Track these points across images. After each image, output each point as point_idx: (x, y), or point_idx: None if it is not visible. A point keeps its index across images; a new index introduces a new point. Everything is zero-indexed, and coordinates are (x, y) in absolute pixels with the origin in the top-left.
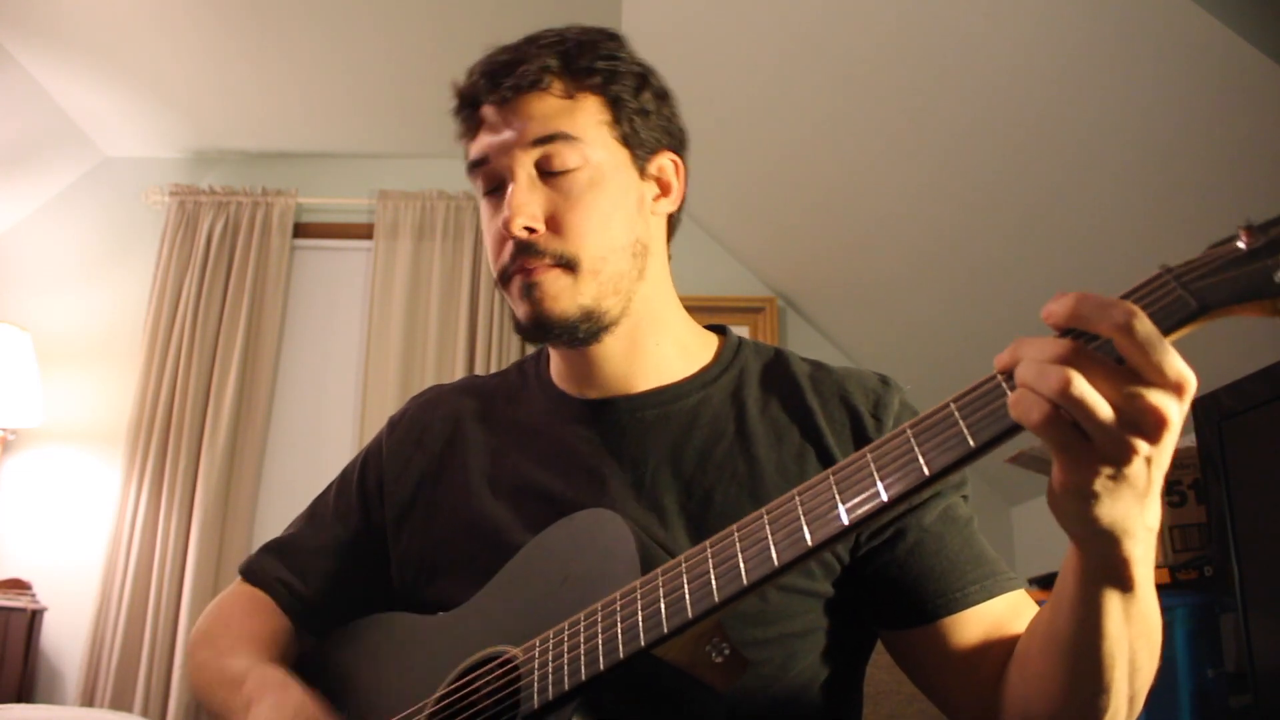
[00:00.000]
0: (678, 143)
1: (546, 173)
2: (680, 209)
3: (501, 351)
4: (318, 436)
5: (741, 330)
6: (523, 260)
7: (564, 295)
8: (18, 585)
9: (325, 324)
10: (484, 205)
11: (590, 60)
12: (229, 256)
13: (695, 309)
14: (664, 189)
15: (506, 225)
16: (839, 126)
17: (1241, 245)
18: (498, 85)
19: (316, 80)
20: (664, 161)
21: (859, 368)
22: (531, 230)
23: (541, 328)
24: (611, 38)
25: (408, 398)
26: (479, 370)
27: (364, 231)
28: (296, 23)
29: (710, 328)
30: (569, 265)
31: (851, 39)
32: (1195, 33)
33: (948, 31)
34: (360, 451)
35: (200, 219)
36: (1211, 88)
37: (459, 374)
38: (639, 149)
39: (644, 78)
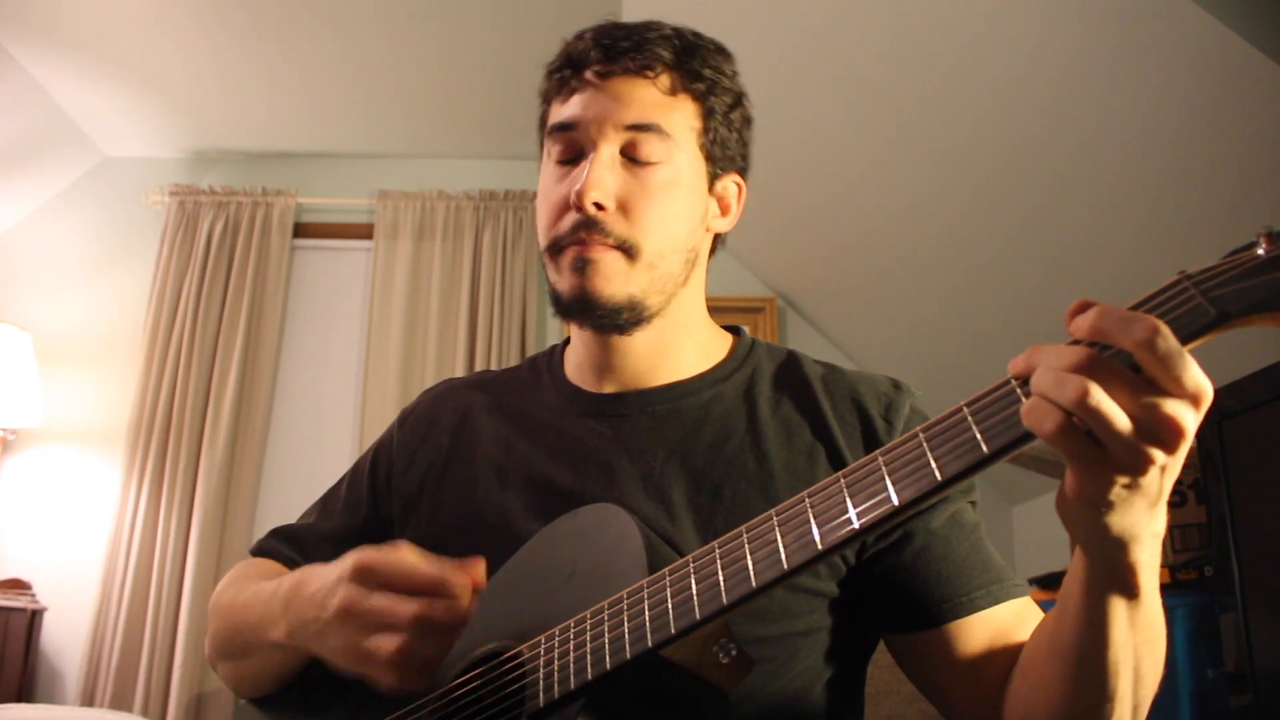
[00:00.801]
0: (746, 168)
1: (630, 158)
2: (728, 232)
3: (502, 351)
4: (318, 436)
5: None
6: (583, 234)
7: (617, 278)
8: (18, 585)
9: (325, 324)
10: (550, 170)
11: (700, 65)
12: (229, 256)
13: None
14: (723, 209)
15: (579, 196)
16: (839, 126)
17: (1262, 252)
18: (611, 57)
19: (316, 80)
20: (730, 183)
21: (871, 372)
22: (600, 208)
23: (585, 304)
24: (722, 51)
25: (408, 398)
26: (478, 370)
27: (364, 231)
28: (297, 23)
29: (726, 328)
30: (629, 251)
31: (852, 39)
32: (1195, 33)
33: (948, 32)
34: (372, 444)
35: (200, 219)
36: (1212, 88)
37: (459, 374)
38: (716, 164)
39: (740, 98)
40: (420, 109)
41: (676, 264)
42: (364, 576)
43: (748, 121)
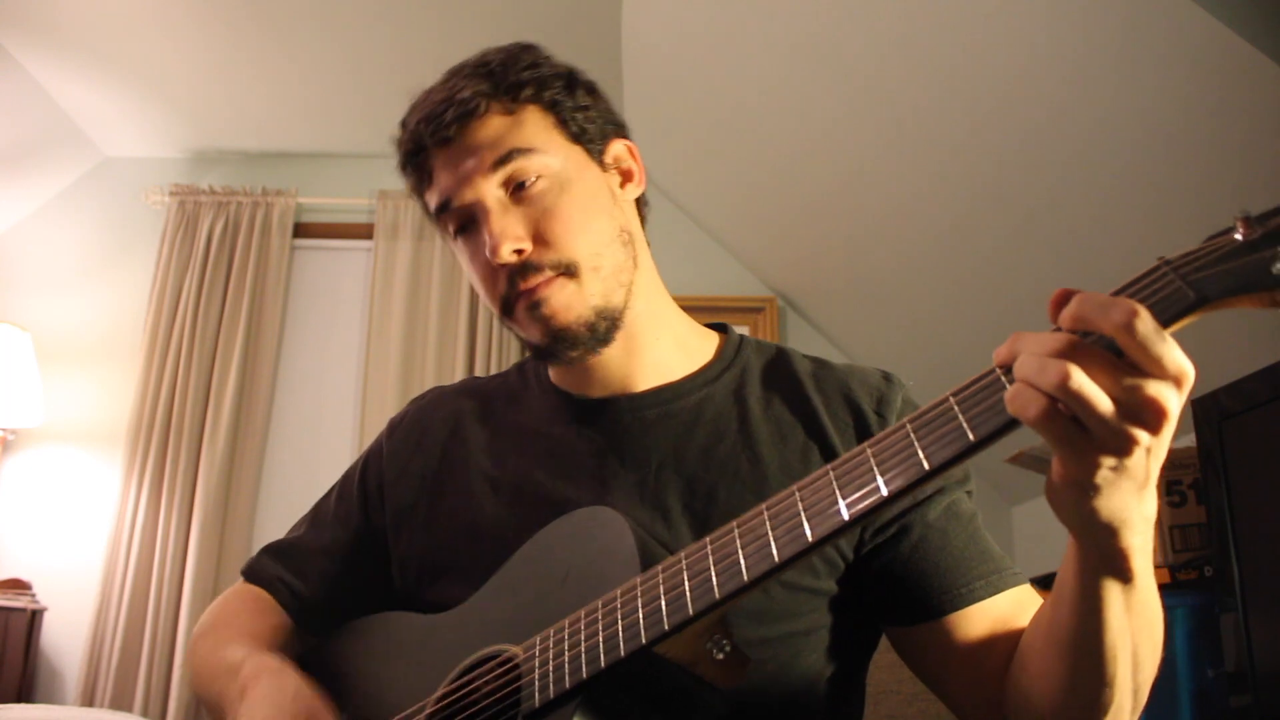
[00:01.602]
0: (623, 129)
1: (514, 191)
2: (644, 191)
3: (502, 351)
4: (318, 436)
5: (741, 330)
6: (522, 282)
7: (574, 302)
8: (18, 585)
9: (325, 324)
10: (459, 247)
11: (516, 74)
12: (229, 256)
13: (695, 309)
14: (626, 175)
15: (494, 253)
16: (839, 126)
17: (1239, 236)
18: (441, 125)
19: (317, 80)
20: (618, 149)
21: (861, 365)
22: (520, 251)
23: (559, 342)
24: (527, 49)
25: (408, 398)
26: (479, 370)
27: (364, 231)
28: (297, 23)
29: (712, 326)
30: (570, 271)
31: (852, 39)
32: (1195, 33)
33: (948, 32)
34: (361, 454)
35: (200, 219)
36: (1212, 88)
37: (459, 374)
38: (591, 143)
39: (571, 77)
40: None
41: (617, 253)
42: None
43: (592, 91)
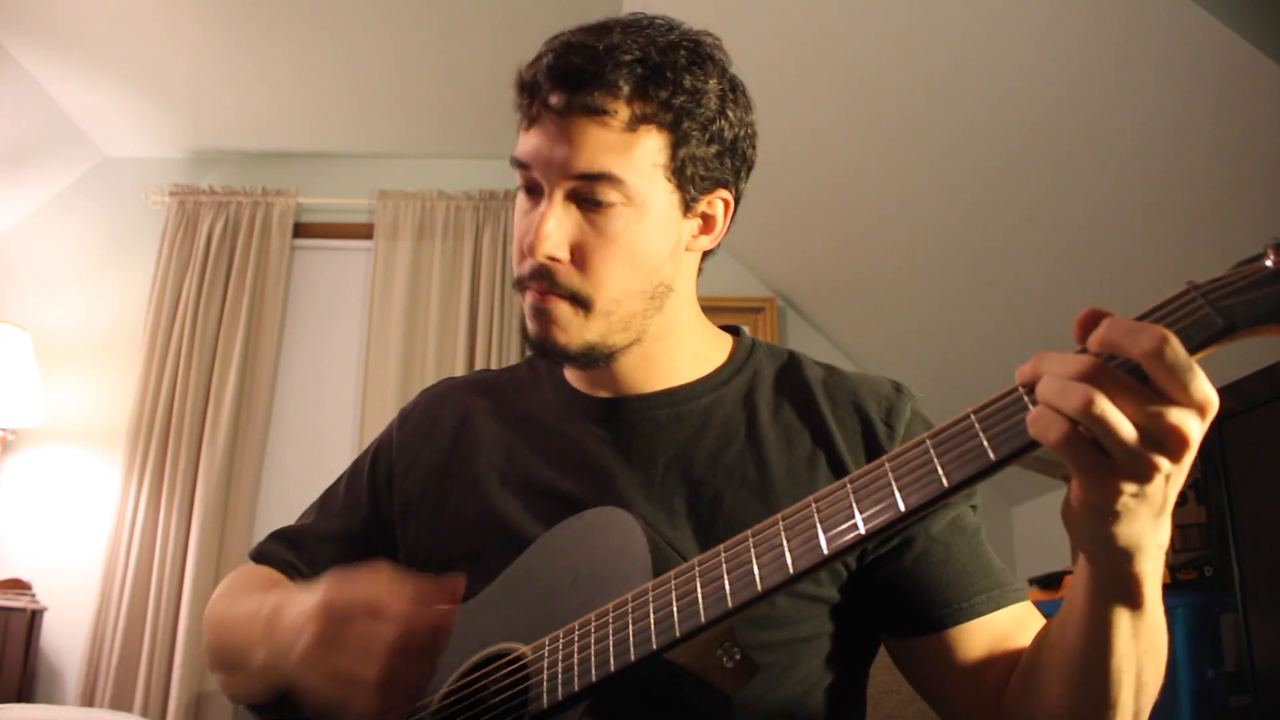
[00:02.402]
0: (738, 177)
1: (585, 200)
2: (718, 247)
3: (502, 351)
4: (318, 436)
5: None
6: (538, 282)
7: (572, 329)
8: (18, 585)
9: (325, 324)
10: (521, 198)
11: (668, 92)
12: (229, 256)
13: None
14: (707, 226)
15: (531, 250)
16: (839, 126)
17: (1269, 264)
18: (561, 94)
19: (316, 80)
20: (716, 200)
21: (872, 374)
22: (555, 258)
23: (545, 350)
24: (697, 60)
25: (408, 398)
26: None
27: (364, 231)
28: (297, 23)
29: (725, 328)
30: (583, 304)
31: (852, 39)
32: (1195, 32)
33: (947, 32)
34: (371, 443)
35: (200, 219)
36: (1212, 87)
37: (459, 374)
38: (692, 188)
39: (722, 109)
40: (420, 109)
41: (638, 303)
42: (339, 602)
43: (738, 126)
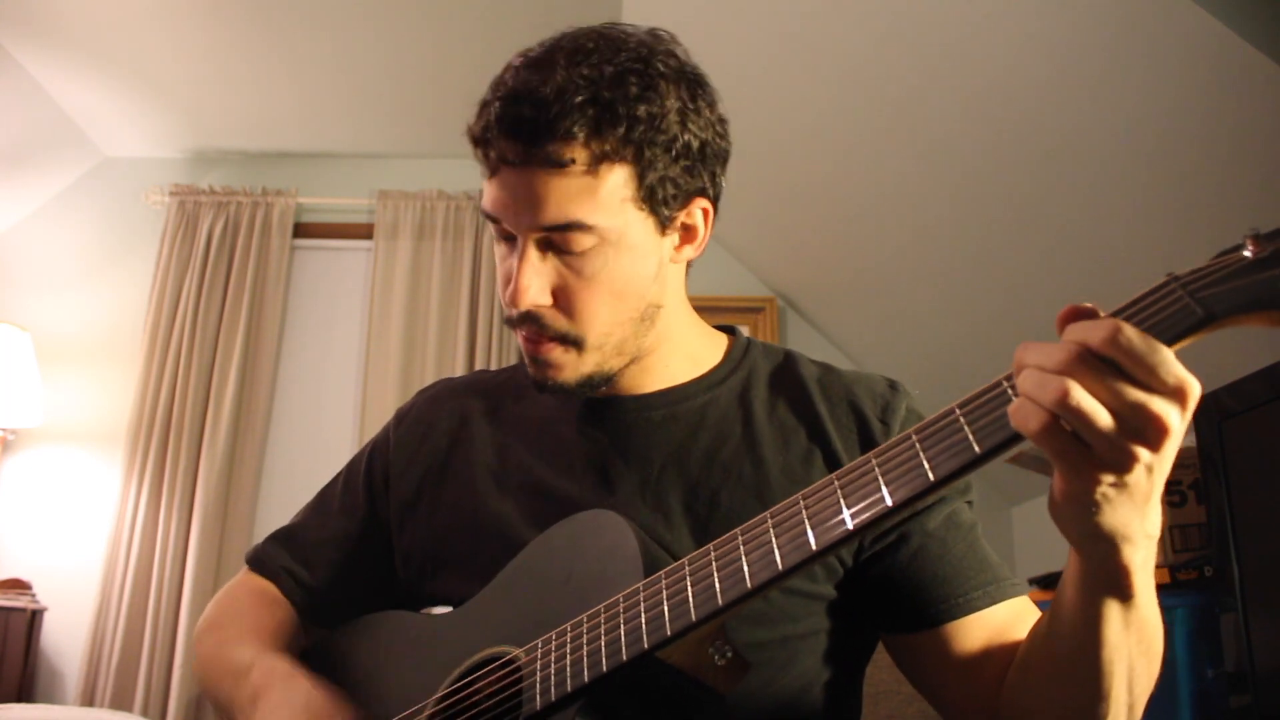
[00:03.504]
0: (714, 172)
1: (558, 249)
2: (702, 252)
3: (502, 351)
4: (318, 436)
5: (741, 330)
6: (526, 330)
7: (567, 367)
8: (18, 585)
9: (325, 324)
10: (497, 244)
11: (625, 126)
12: (229, 256)
13: (695, 309)
14: (689, 237)
15: (511, 303)
16: (839, 126)
17: (1248, 254)
18: (517, 145)
19: (316, 80)
20: (695, 210)
21: (868, 372)
22: (538, 305)
23: (545, 389)
24: (651, 83)
25: (408, 397)
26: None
27: (364, 231)
28: (296, 23)
29: (720, 328)
30: (575, 343)
31: (851, 39)
32: (1194, 32)
33: (947, 31)
34: (367, 443)
35: (200, 219)
36: (1210, 87)
37: (459, 374)
38: (665, 209)
39: (684, 121)
40: (420, 109)
41: (628, 330)
42: None
43: (702, 136)
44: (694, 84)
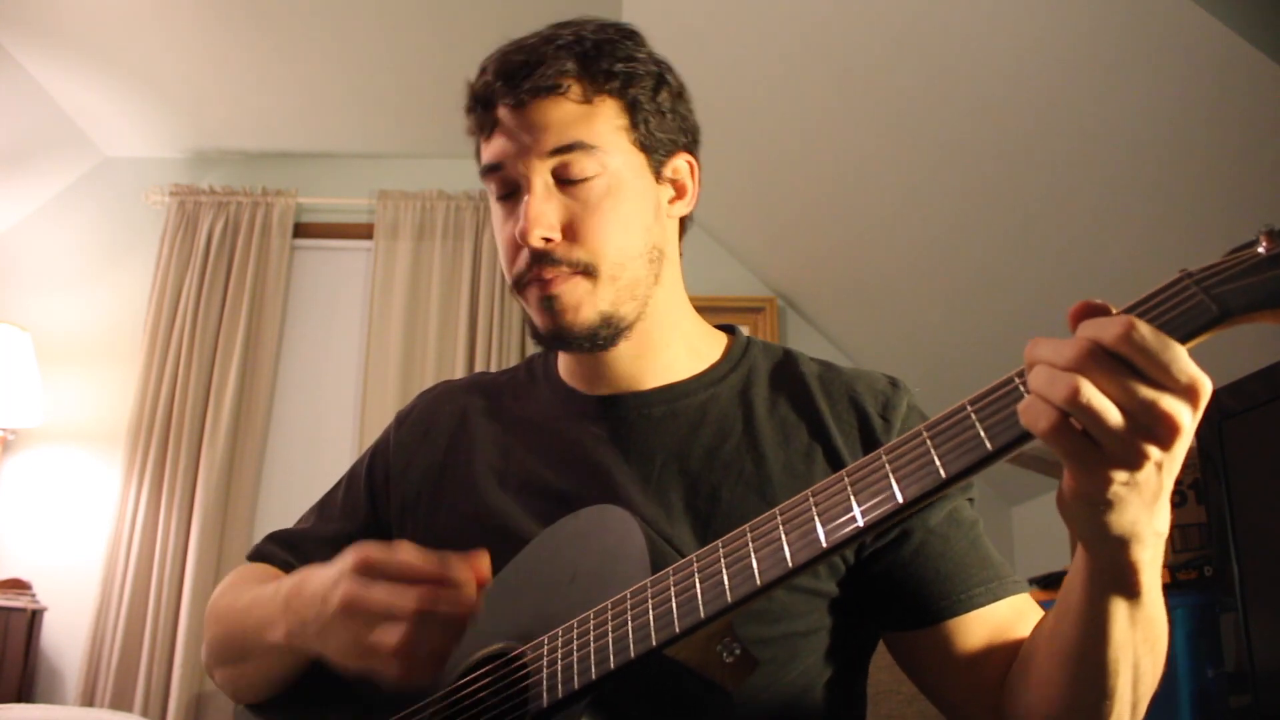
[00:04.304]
0: (693, 141)
1: (563, 180)
2: (693, 211)
3: (502, 351)
4: (318, 436)
5: (741, 330)
6: (540, 270)
7: (584, 303)
8: (18, 585)
9: (325, 324)
10: (496, 209)
11: (609, 62)
12: (229, 256)
13: (695, 309)
14: (679, 191)
15: (523, 235)
16: (839, 126)
17: (1262, 250)
18: (514, 88)
19: (316, 80)
20: (679, 163)
21: (868, 369)
22: (549, 239)
23: (562, 338)
24: (629, 35)
25: (408, 398)
26: (479, 370)
27: (364, 231)
28: (297, 23)
29: (720, 327)
30: (588, 272)
31: (851, 38)
32: (1195, 32)
33: (947, 32)
34: (369, 447)
35: (200, 219)
36: (1211, 87)
37: (459, 374)
38: (656, 152)
39: (661, 76)
40: (420, 109)
41: (640, 267)
42: (365, 570)
43: (678, 96)
44: (662, 59)
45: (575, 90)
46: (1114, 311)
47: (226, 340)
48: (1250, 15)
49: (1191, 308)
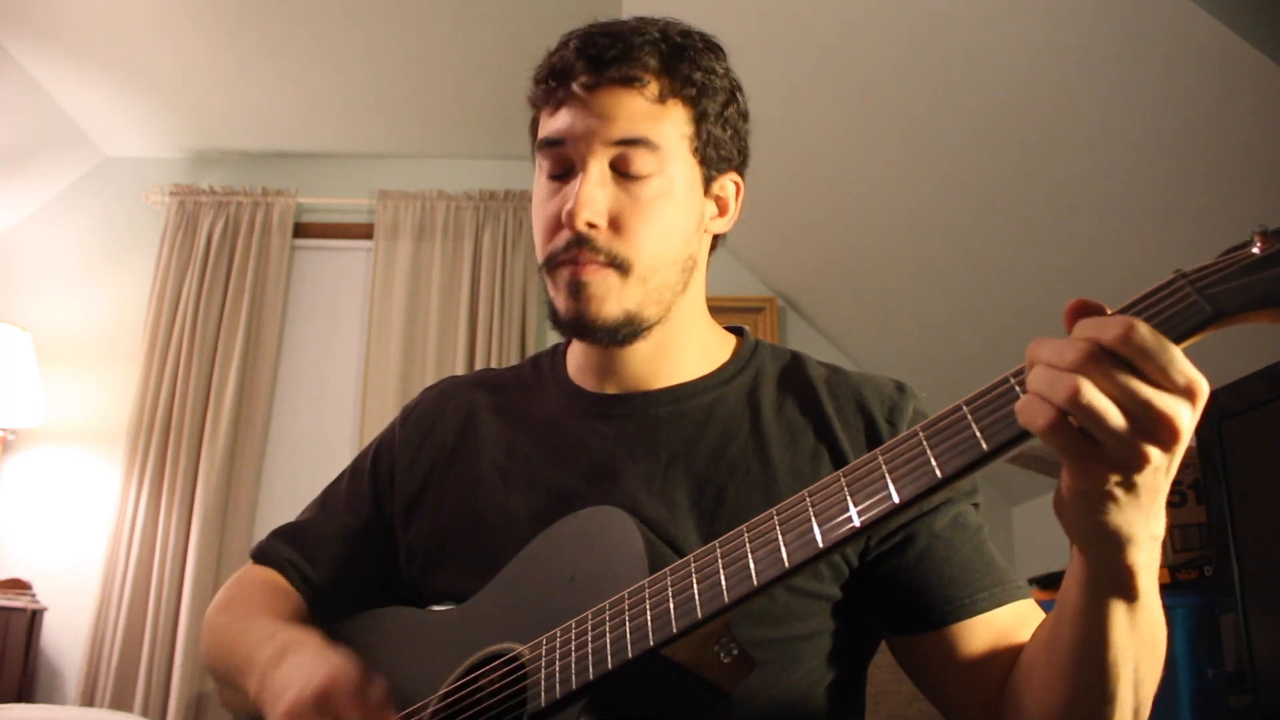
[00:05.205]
0: (744, 163)
1: (620, 172)
2: (728, 232)
3: (502, 351)
4: (318, 436)
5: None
6: (576, 253)
7: (610, 296)
8: (18, 585)
9: (325, 324)
10: (543, 184)
11: (689, 69)
12: (229, 256)
13: None
14: (721, 209)
15: (570, 216)
16: (839, 127)
17: (1256, 250)
18: (595, 70)
19: (317, 80)
20: (728, 182)
21: (875, 374)
22: (593, 225)
23: (581, 326)
24: (713, 48)
25: (408, 398)
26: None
27: (364, 231)
28: (297, 23)
29: (729, 329)
30: (621, 267)
31: (851, 39)
32: (1196, 34)
33: (950, 35)
34: (373, 440)
35: (200, 219)
36: (1213, 89)
37: (459, 374)
38: (711, 167)
39: (733, 94)
40: (420, 109)
41: (672, 274)
42: (322, 701)
43: (743, 117)
44: (737, 80)
45: (652, 87)
46: (1109, 311)
47: (226, 340)
48: (1251, 15)
49: (1185, 308)
